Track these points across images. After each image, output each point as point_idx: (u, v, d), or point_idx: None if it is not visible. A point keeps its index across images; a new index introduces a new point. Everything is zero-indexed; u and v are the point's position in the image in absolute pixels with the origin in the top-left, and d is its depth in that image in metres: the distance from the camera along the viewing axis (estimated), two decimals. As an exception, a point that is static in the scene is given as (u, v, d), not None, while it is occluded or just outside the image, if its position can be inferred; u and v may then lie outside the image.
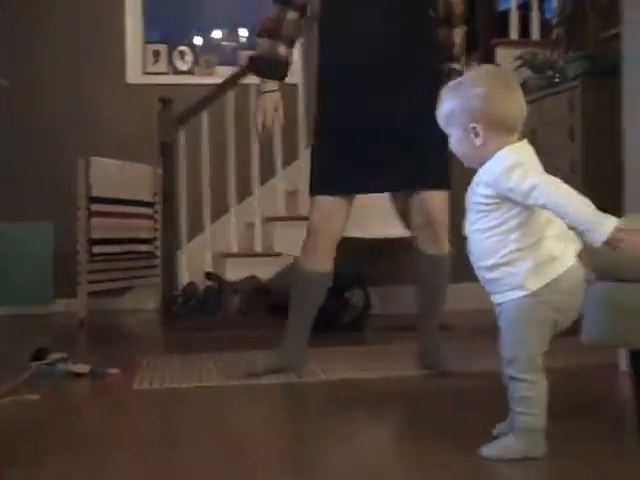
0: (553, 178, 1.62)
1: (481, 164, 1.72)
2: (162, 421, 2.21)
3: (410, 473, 1.67)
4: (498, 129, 1.69)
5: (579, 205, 1.56)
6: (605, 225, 1.53)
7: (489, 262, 1.71)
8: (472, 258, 1.77)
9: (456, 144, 1.77)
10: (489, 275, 1.73)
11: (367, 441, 2.00)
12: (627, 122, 2.71)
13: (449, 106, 1.74)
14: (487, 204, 1.70)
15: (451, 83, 1.80)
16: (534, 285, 1.66)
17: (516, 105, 1.71)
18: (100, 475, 1.72)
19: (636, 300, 1.78)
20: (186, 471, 1.72)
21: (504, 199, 1.66)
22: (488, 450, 1.71)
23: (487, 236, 1.71)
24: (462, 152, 1.76)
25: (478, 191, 1.72)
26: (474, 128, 1.69)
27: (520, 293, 1.68)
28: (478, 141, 1.70)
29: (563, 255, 1.67)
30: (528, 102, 4.73)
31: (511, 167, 1.64)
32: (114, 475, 1.72)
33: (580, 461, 1.69)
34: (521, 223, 1.66)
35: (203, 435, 2.03)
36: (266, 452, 1.86)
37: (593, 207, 1.56)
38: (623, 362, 2.43)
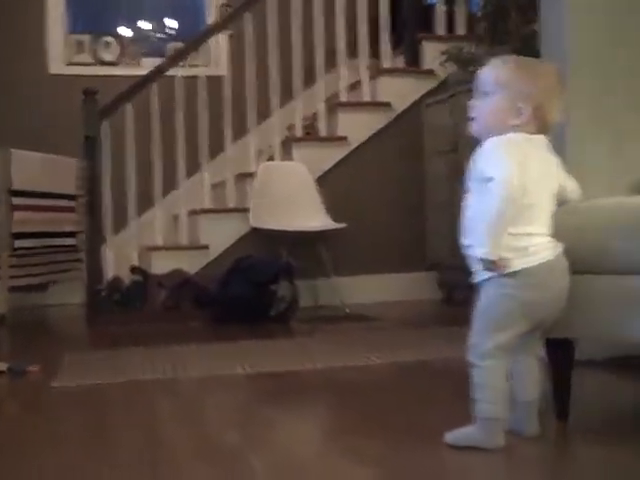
0: (502, 185, 1.62)
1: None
2: (80, 419, 2.15)
3: (337, 467, 1.66)
4: (537, 122, 1.71)
5: (491, 223, 1.63)
6: (483, 250, 1.62)
7: (466, 240, 1.72)
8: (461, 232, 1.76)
9: (488, 110, 1.74)
10: (468, 252, 1.72)
11: (293, 434, 1.99)
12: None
13: (508, 75, 1.72)
14: (473, 180, 1.71)
15: (517, 57, 1.80)
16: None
17: (559, 109, 1.74)
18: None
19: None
20: (106, 472, 1.67)
21: (485, 180, 1.66)
22: (451, 436, 1.71)
23: (468, 213, 1.72)
24: (487, 120, 1.74)
25: (473, 165, 1.72)
26: (520, 108, 1.69)
27: (485, 275, 1.68)
28: (515, 121, 1.70)
29: (534, 251, 1.66)
30: (452, 95, 4.76)
31: (490, 152, 1.67)
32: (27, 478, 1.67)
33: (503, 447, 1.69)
34: None
35: (124, 433, 1.99)
36: (188, 449, 1.84)
37: (498, 233, 1.62)
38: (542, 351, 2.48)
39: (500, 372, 1.67)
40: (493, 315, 1.67)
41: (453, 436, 1.71)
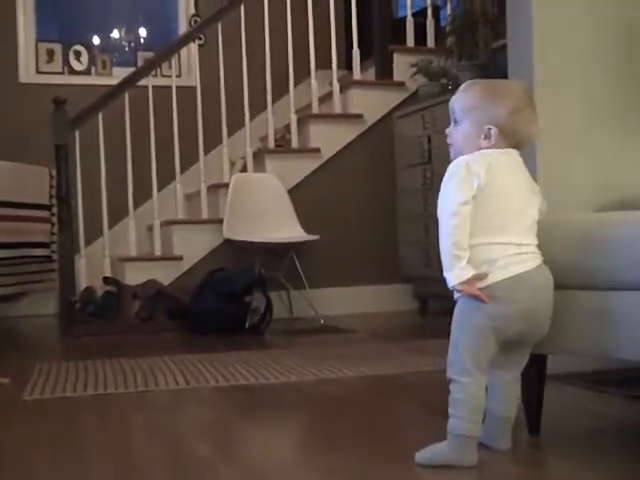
0: (451, 213, 1.65)
1: None
2: (51, 433, 2.13)
3: None
4: (508, 140, 1.74)
5: (446, 246, 1.66)
6: (448, 277, 1.65)
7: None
8: None
9: (460, 136, 1.78)
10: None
11: (265, 448, 2.00)
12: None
13: (473, 100, 1.76)
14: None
15: (482, 80, 1.84)
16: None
17: (534, 127, 1.77)
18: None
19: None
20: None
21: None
22: (420, 455, 1.69)
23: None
24: (461, 145, 1.77)
25: None
26: (489, 129, 1.72)
27: (457, 294, 1.69)
28: (485, 143, 1.73)
29: (502, 265, 1.65)
30: (422, 109, 4.77)
31: (448, 177, 1.70)
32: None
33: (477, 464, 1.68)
34: None
35: (95, 446, 1.99)
36: (160, 462, 1.84)
37: (456, 254, 1.64)
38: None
39: (478, 389, 1.66)
40: (466, 329, 1.67)
41: (422, 456, 1.69)
